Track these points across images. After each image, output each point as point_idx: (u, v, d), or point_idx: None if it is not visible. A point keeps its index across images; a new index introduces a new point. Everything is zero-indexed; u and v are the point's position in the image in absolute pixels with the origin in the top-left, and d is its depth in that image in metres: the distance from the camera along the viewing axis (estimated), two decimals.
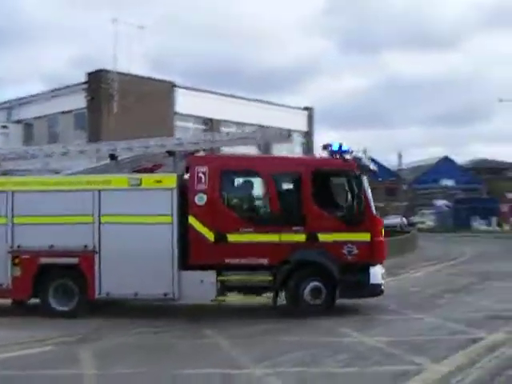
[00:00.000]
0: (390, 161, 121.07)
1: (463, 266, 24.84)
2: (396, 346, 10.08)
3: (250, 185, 13.24)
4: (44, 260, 12.78)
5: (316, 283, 12.49)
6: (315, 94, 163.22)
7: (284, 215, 12.49)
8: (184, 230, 12.54)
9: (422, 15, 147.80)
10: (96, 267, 12.60)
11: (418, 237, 37.66)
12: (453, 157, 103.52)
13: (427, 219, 74.66)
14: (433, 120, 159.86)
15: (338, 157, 12.92)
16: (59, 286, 12.86)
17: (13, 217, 12.72)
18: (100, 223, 12.61)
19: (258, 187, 12.99)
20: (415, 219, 79.23)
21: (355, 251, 12.51)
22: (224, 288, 12.70)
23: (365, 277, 12.53)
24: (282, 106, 36.41)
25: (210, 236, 12.49)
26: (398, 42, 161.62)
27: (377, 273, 12.65)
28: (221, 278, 12.51)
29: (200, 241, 12.48)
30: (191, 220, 12.52)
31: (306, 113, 36.92)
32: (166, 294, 12.56)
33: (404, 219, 65.50)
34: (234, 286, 12.75)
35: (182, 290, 12.48)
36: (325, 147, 13.28)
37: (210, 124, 31.70)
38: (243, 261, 12.45)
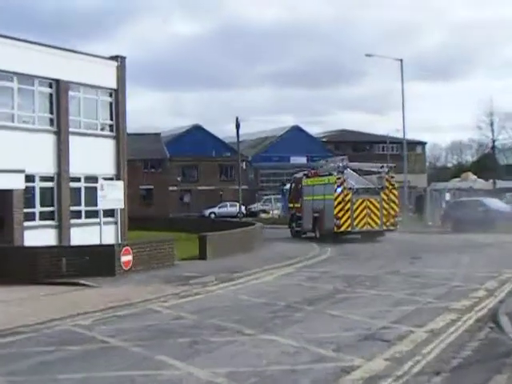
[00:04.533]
0: (226, 131, 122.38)
1: (325, 267, 25.07)
2: (241, 380, 9.46)
3: None
4: None
5: None
6: (131, 43, 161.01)
7: None
8: None
9: None
10: None
11: (264, 230, 37.92)
12: (306, 127, 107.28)
13: (273, 207, 75.88)
14: (282, 80, 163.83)
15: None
16: None
17: None
18: None
19: None
20: (257, 207, 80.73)
21: None
22: None
23: None
24: (84, 54, 34.67)
25: None
26: None
27: None
28: None
29: None
30: None
31: (114, 64, 35.48)
32: None
33: (243, 208, 66.30)
34: None
35: None
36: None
37: None
38: None
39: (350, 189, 36.64)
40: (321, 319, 14.31)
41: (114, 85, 35.57)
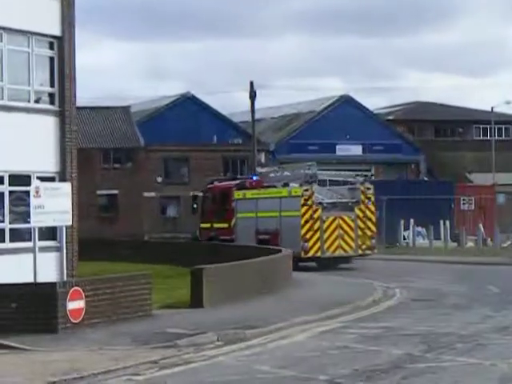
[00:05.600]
0: (234, 104, 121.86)
1: (390, 319, 25.37)
2: None
3: None
4: None
5: None
6: None
7: None
8: None
9: None
10: None
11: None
12: (361, 98, 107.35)
13: None
14: (321, 23, 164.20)
15: None
16: None
17: None
18: None
19: None
20: None
21: None
22: None
23: None
24: None
25: None
26: None
27: None
28: None
29: None
30: None
31: None
32: None
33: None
34: None
35: None
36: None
37: None
38: None
39: (320, 203, 45.32)
40: None
41: (56, 30, 35.66)
